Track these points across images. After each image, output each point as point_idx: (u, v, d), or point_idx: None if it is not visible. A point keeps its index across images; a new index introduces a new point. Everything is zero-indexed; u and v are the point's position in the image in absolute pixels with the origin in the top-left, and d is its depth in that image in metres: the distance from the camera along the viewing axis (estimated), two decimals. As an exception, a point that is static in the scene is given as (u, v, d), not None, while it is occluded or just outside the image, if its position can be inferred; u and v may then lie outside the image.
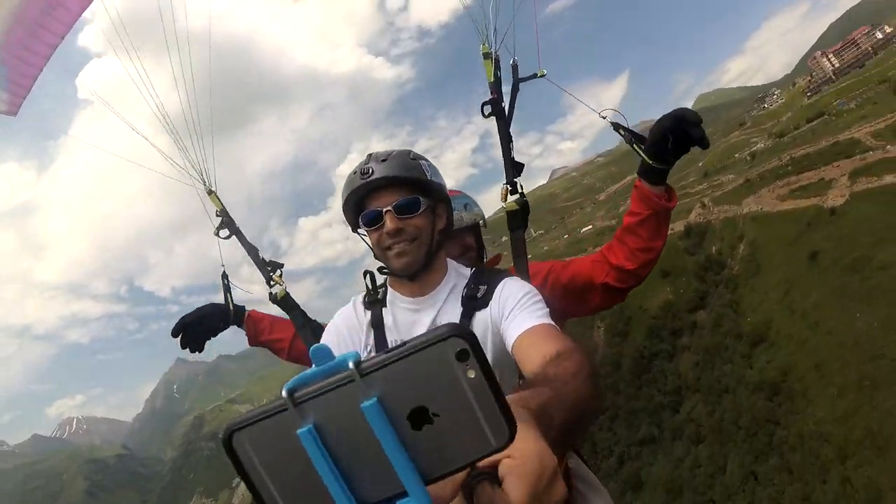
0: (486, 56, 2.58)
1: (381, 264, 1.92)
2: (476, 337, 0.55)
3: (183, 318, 2.75)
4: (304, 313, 2.82)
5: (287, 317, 2.92)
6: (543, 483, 0.60)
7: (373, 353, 1.56)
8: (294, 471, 0.56)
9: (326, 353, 0.57)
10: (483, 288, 1.82)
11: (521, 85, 2.58)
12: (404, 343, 0.55)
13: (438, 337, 0.54)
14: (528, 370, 1.47)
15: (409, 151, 1.82)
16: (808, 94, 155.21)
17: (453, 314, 1.81)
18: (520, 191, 2.49)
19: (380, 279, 2.00)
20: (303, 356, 2.85)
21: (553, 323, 1.63)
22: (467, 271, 1.95)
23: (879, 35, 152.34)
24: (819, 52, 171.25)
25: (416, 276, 1.83)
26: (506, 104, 2.56)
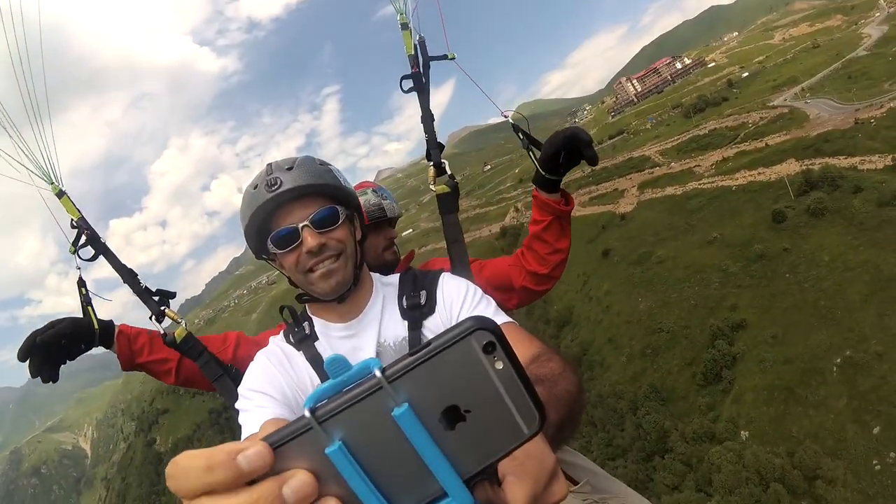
0: (404, 27, 2.44)
1: (299, 291, 1.66)
2: (499, 326, 0.54)
3: (33, 336, 2.10)
4: (215, 357, 2.33)
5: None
6: (543, 482, 0.60)
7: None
8: (327, 492, 0.52)
9: (343, 363, 0.54)
10: (423, 293, 1.65)
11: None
12: (428, 343, 0.52)
13: (464, 332, 0.52)
14: None
15: (313, 157, 1.60)
16: (613, 113, 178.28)
17: (398, 328, 1.62)
18: (448, 171, 2.33)
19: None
20: (196, 377, 2.39)
21: (512, 319, 1.57)
22: (391, 279, 1.76)
23: (679, 66, 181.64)
24: (624, 78, 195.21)
25: (347, 296, 1.59)
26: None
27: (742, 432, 45.38)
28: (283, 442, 0.51)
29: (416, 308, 1.63)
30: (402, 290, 1.68)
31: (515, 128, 2.34)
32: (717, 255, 62.59)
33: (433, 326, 1.61)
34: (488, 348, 0.52)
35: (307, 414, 0.51)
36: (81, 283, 2.36)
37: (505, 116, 2.37)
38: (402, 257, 2.51)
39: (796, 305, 51.18)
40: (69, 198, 2.43)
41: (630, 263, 71.07)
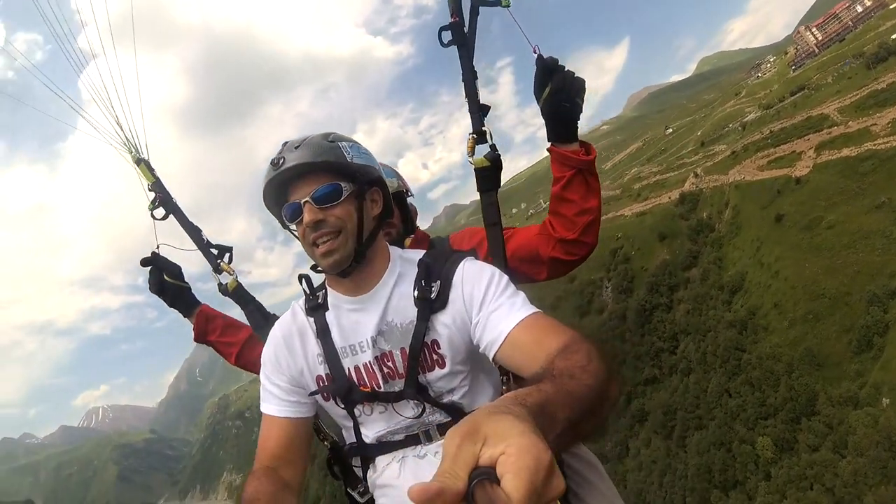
0: None
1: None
2: None
3: (156, 258, 2.55)
4: (261, 307, 2.49)
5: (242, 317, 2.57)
6: (541, 478, 0.60)
7: (322, 363, 1.63)
8: None
9: None
10: (436, 285, 1.61)
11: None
12: None
13: None
14: (531, 369, 1.28)
15: (328, 133, 1.62)
16: (793, 66, 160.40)
17: (409, 311, 1.61)
18: (490, 141, 2.03)
19: (317, 279, 1.77)
20: (251, 364, 2.49)
21: (540, 310, 1.50)
22: (414, 256, 1.73)
23: (859, 9, 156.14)
24: (803, 27, 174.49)
25: (350, 272, 1.61)
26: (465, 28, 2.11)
27: (884, 399, 47.42)
28: None
29: (426, 301, 1.60)
30: (418, 277, 1.65)
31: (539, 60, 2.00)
32: (883, 220, 60.46)
33: (446, 322, 1.59)
34: None
35: None
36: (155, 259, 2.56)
37: (535, 52, 2.01)
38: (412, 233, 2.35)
39: (955, 273, 49.65)
40: (147, 164, 2.65)
41: (801, 229, 70.67)
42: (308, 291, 1.75)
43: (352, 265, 1.60)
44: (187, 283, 2.61)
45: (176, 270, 2.61)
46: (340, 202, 1.57)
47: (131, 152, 2.68)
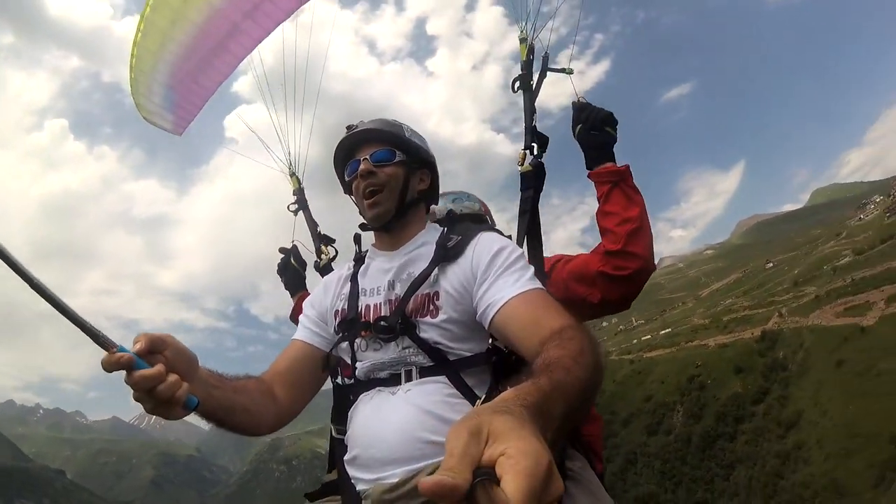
0: (523, 41, 2.68)
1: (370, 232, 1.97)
2: None
3: (285, 253, 3.27)
4: None
5: None
6: (540, 479, 0.60)
7: (344, 300, 1.83)
8: None
9: None
10: (455, 238, 1.74)
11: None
12: None
13: None
14: (524, 347, 1.40)
15: (392, 118, 1.93)
16: (888, 213, 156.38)
17: (421, 268, 1.72)
18: (535, 153, 2.44)
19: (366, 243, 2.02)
20: None
21: (543, 286, 1.56)
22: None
23: None
24: None
25: (390, 227, 1.84)
26: (534, 82, 2.63)
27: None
28: None
29: (442, 247, 1.72)
30: (443, 230, 1.85)
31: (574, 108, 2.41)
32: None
33: (452, 272, 1.67)
34: None
35: None
36: (293, 250, 3.27)
37: (574, 90, 2.47)
38: None
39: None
40: (297, 178, 3.44)
41: (855, 374, 74.98)
42: (358, 247, 2.00)
43: (392, 221, 1.82)
44: (304, 274, 3.22)
45: (301, 261, 3.20)
46: (392, 164, 1.81)
47: (290, 167, 3.50)
